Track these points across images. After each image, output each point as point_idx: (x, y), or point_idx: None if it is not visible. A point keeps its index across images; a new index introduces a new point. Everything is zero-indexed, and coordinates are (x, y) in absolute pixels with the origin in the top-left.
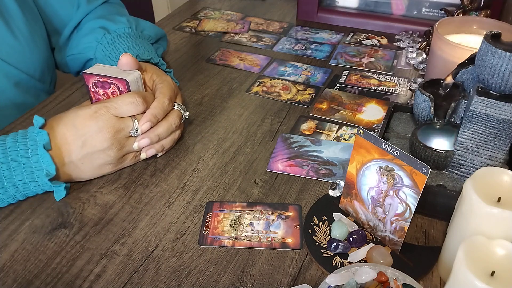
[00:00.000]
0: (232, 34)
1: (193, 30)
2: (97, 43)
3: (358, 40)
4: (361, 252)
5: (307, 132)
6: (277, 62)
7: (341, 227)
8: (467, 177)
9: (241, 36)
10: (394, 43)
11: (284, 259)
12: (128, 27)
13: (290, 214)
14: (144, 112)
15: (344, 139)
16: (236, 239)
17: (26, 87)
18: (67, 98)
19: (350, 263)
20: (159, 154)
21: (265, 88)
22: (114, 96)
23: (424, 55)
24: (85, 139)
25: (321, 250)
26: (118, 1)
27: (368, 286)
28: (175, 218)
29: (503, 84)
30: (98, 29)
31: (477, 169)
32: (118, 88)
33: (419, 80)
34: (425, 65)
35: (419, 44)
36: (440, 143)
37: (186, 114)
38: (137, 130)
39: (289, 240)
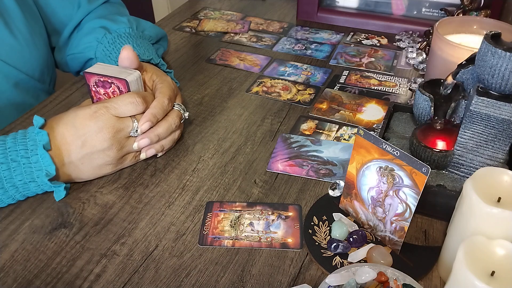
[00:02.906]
0: (232, 34)
1: (193, 30)
2: (98, 42)
3: (358, 40)
4: (361, 252)
5: (307, 132)
6: (277, 62)
7: (341, 227)
8: (467, 177)
9: (241, 36)
10: (394, 43)
11: (284, 259)
12: (129, 27)
13: (290, 214)
14: (144, 112)
15: (344, 139)
16: (236, 239)
17: (25, 87)
18: (67, 98)
19: (350, 263)
20: (159, 154)
21: (265, 88)
22: (114, 96)
23: (424, 55)
24: (85, 139)
25: (321, 250)
26: (118, 0)
27: (368, 286)
28: (175, 218)
29: (503, 84)
30: (98, 28)
31: (477, 169)
32: (118, 88)
33: (419, 80)
34: (425, 65)
35: (419, 44)
36: (440, 143)
37: (186, 114)
38: (136, 130)
39: (289, 240)
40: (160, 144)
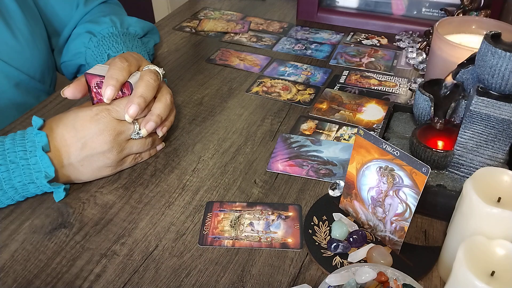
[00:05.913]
0: (232, 34)
1: (193, 30)
2: (86, 48)
3: (358, 40)
4: (361, 252)
5: (307, 132)
6: (277, 62)
7: (341, 227)
8: (467, 177)
9: (241, 36)
10: (394, 43)
11: (284, 259)
12: (111, 27)
13: (290, 214)
14: (145, 116)
15: (344, 139)
16: (236, 239)
17: (26, 88)
18: (67, 98)
19: (350, 263)
20: (160, 132)
21: (265, 88)
22: (117, 98)
23: (424, 55)
24: (85, 141)
25: (321, 250)
26: (115, 1)
27: (368, 286)
28: (175, 218)
29: (503, 84)
30: (84, 34)
31: (477, 169)
32: (121, 90)
33: (419, 80)
34: (425, 65)
35: (419, 44)
36: (440, 143)
37: (161, 70)
38: (138, 133)
39: (289, 240)
40: (156, 114)
